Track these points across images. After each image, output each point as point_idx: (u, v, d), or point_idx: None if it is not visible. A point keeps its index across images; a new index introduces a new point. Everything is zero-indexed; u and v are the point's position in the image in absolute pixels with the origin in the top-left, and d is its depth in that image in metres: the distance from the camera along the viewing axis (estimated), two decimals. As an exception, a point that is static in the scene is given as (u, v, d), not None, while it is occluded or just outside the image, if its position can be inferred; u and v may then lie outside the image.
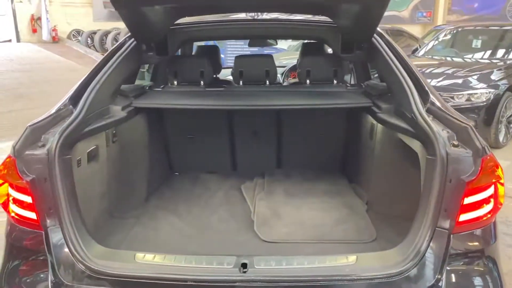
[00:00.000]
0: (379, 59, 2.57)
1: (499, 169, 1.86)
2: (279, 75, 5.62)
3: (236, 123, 3.14)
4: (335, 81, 3.04)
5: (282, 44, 11.67)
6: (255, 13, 2.94)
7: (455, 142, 1.78)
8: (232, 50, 11.04)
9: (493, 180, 1.81)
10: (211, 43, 5.53)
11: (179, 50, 4.60)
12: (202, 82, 3.03)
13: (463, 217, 1.76)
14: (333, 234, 2.31)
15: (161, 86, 3.03)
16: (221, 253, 2.12)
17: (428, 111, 2.00)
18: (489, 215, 1.81)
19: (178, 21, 2.77)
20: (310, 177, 3.08)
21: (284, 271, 1.72)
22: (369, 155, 2.65)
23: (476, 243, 1.81)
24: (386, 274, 1.69)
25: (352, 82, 4.21)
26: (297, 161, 3.28)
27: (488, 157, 1.77)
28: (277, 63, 7.24)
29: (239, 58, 3.16)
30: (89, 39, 15.05)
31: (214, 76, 4.12)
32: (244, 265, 1.73)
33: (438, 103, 2.03)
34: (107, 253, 1.87)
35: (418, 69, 2.39)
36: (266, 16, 2.99)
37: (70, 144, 1.95)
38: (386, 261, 1.76)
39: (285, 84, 4.64)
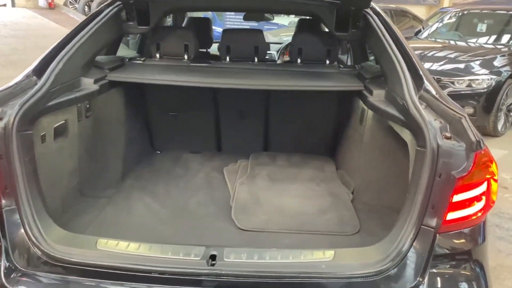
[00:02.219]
0: (374, 39, 2.40)
1: (493, 165, 1.71)
2: (274, 52, 5.41)
3: (221, 102, 2.97)
4: (327, 61, 2.87)
5: (283, 20, 11.36)
6: None
7: (448, 134, 1.64)
8: (231, 24, 10.73)
9: (487, 177, 1.67)
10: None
11: (169, 21, 4.41)
12: (186, 56, 2.85)
13: (451, 215, 1.63)
14: (314, 224, 2.18)
15: (142, 59, 2.85)
16: (194, 240, 2.01)
17: (421, 98, 1.85)
18: (479, 214, 1.68)
19: None
20: (297, 162, 2.94)
21: (255, 265, 1.59)
22: (358, 141, 2.51)
23: (464, 244, 1.68)
24: (364, 273, 1.57)
25: (349, 63, 4.03)
26: (284, 145, 3.13)
27: (483, 152, 1.63)
28: (276, 39, 7.08)
29: (226, 32, 2.97)
30: (86, 7, 14.66)
31: (205, 50, 3.94)
32: (213, 257, 1.61)
33: (432, 90, 1.88)
34: (68, 238, 1.74)
35: (420, 52, 2.24)
36: None
37: (31, 119, 1.79)
38: (365, 259, 1.64)
39: (278, 62, 4.44)
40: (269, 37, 7.06)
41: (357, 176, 2.52)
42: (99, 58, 2.57)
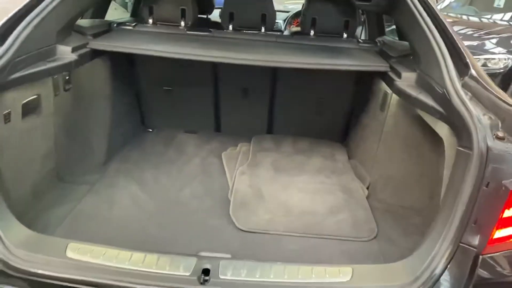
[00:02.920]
0: (402, 10, 2.04)
1: None
2: (281, 21, 4.99)
3: (222, 77, 2.62)
4: (345, 35, 2.51)
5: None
6: None
7: (501, 134, 1.32)
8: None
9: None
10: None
11: None
12: (182, 23, 2.49)
13: (500, 233, 1.33)
14: (324, 226, 1.89)
15: (133, 24, 2.47)
16: (184, 242, 1.72)
17: (465, 86, 1.52)
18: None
19: None
20: (305, 147, 2.62)
21: (255, 285, 1.31)
22: (377, 129, 2.19)
23: None
24: None
25: (363, 37, 3.65)
26: (291, 127, 2.80)
27: None
28: (281, 7, 6.57)
29: None
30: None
31: (205, 17, 3.55)
32: (206, 272, 1.33)
33: (479, 77, 1.55)
34: (33, 240, 1.44)
35: None
36: None
37: None
38: (390, 280, 1.36)
39: (285, 33, 4.04)
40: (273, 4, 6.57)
41: (374, 170, 2.21)
42: (82, 21, 2.21)
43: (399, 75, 1.91)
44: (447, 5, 7.47)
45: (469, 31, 5.93)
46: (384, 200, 2.09)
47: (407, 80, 1.87)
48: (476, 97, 1.48)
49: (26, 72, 1.65)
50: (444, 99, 1.52)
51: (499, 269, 1.36)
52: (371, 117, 2.31)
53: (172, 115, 2.81)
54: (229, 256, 1.50)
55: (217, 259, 1.40)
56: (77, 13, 2.03)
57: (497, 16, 6.66)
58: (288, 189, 2.14)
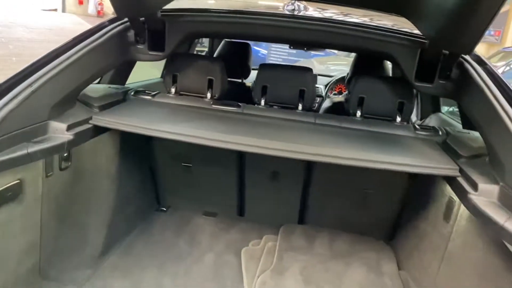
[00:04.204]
0: (474, 97, 1.64)
1: None
2: (322, 87, 4.64)
3: (248, 159, 2.24)
4: (398, 119, 2.09)
5: (332, 46, 10.54)
6: (297, 3, 2.04)
7: None
8: (276, 48, 10.03)
9: None
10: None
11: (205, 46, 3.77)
12: (209, 94, 2.16)
13: None
14: None
15: (152, 93, 2.17)
16: None
17: None
18: None
19: (180, 6, 1.92)
20: (343, 249, 2.15)
21: None
22: (439, 244, 1.71)
23: None
24: None
25: (414, 113, 3.23)
26: (327, 219, 2.35)
27: None
28: (323, 68, 6.25)
29: (264, 67, 2.25)
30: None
31: (240, 81, 3.26)
32: None
33: None
34: None
35: None
36: (311, 12, 2.08)
37: None
38: None
39: (326, 101, 3.66)
40: (314, 64, 6.27)
41: None
42: (92, 89, 1.92)
43: (474, 186, 1.46)
44: (500, 74, 6.98)
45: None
46: None
47: (486, 194, 1.41)
48: None
49: (4, 158, 1.33)
50: None
51: None
52: (430, 226, 1.84)
53: (190, 195, 2.44)
54: None
55: None
56: (83, 83, 1.73)
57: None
58: None
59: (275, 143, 1.66)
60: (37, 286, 1.65)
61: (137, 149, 2.18)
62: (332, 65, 6.94)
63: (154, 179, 2.41)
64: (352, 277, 1.93)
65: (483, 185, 1.43)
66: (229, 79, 2.34)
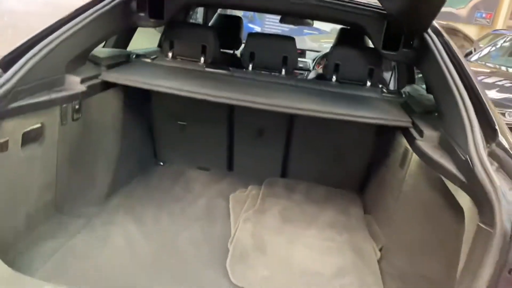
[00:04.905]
0: (430, 64, 1.92)
1: None
2: (309, 61, 4.92)
3: (237, 116, 2.53)
4: (368, 83, 2.39)
5: (325, 25, 10.76)
6: None
7: None
8: (270, 25, 10.23)
9: None
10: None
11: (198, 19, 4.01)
12: (202, 59, 2.44)
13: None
14: None
15: (152, 57, 2.44)
16: None
17: (492, 155, 1.37)
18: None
19: None
20: (318, 197, 2.47)
21: None
22: (395, 188, 2.03)
23: None
24: None
25: (392, 84, 3.52)
26: (306, 173, 2.66)
27: None
28: (316, 46, 6.52)
29: (252, 36, 2.53)
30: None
31: (232, 52, 3.52)
32: None
33: (508, 145, 1.39)
34: (7, 280, 1.34)
35: None
36: None
37: None
38: None
39: (312, 73, 3.95)
40: (307, 42, 6.55)
41: (390, 231, 2.03)
42: (99, 51, 2.18)
43: (421, 133, 1.77)
44: (486, 54, 7.27)
45: (509, 83, 5.70)
46: (396, 265, 1.90)
47: (429, 139, 1.72)
48: (504, 168, 1.32)
49: (29, 102, 1.61)
50: (466, 167, 1.37)
51: None
52: (390, 173, 2.16)
53: (185, 150, 2.73)
54: None
55: None
56: (92, 44, 2.00)
57: (539, 69, 6.41)
58: (293, 243, 1.99)
59: (260, 98, 1.96)
60: (53, 218, 1.94)
61: (138, 107, 2.46)
62: (324, 43, 7.21)
63: (153, 136, 2.70)
64: (323, 218, 2.25)
65: (427, 132, 1.74)
66: (222, 50, 2.61)
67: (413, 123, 1.90)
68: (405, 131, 1.95)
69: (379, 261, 1.95)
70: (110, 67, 2.13)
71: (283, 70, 2.45)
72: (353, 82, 2.40)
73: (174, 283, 1.67)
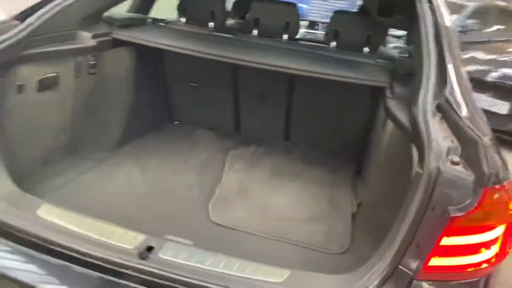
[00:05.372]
0: (415, 28, 1.99)
1: None
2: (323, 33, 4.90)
3: (241, 79, 2.71)
4: (365, 50, 2.47)
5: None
6: None
7: (456, 158, 1.26)
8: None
9: (499, 221, 1.27)
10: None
11: None
12: (212, 24, 2.62)
13: (437, 261, 1.26)
14: (297, 233, 1.88)
15: (167, 21, 2.66)
16: (156, 225, 1.81)
17: (440, 108, 1.46)
18: (483, 266, 1.29)
19: None
20: (312, 158, 2.61)
21: (188, 269, 1.36)
22: (376, 148, 2.13)
23: None
24: None
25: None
26: (307, 137, 2.80)
27: (497, 188, 1.23)
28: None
29: (255, 2, 2.67)
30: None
31: (241, 18, 3.63)
32: (150, 249, 1.40)
33: (457, 99, 1.47)
34: (13, 195, 1.61)
35: None
36: None
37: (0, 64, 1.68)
38: None
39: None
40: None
41: (369, 188, 2.15)
42: (116, 13, 2.42)
43: (393, 92, 1.86)
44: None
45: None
46: (371, 219, 2.02)
47: (398, 98, 1.82)
48: (446, 119, 1.42)
49: (41, 50, 1.86)
50: (413, 119, 1.47)
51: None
52: (376, 135, 2.26)
53: (196, 111, 2.95)
54: (191, 243, 1.56)
55: (165, 241, 1.47)
56: (105, 5, 2.23)
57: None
58: (275, 192, 2.16)
59: (260, 58, 2.13)
60: (68, 158, 2.21)
61: (152, 67, 2.69)
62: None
63: (168, 96, 2.93)
64: (311, 175, 2.39)
65: (398, 90, 1.83)
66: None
67: (390, 84, 1.99)
68: (385, 92, 2.04)
69: (355, 215, 2.07)
70: (123, 27, 2.37)
71: (285, 36, 2.58)
72: (351, 48, 2.48)
73: (159, 216, 1.89)
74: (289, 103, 2.70)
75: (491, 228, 1.26)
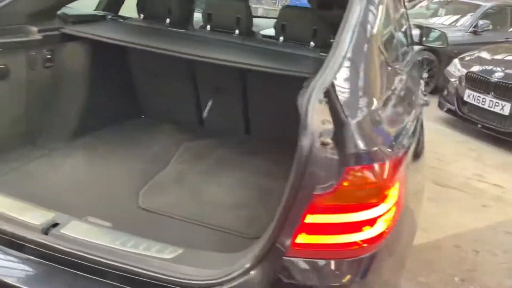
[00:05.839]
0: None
1: (393, 188, 1.34)
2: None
3: (198, 73, 2.79)
4: (312, 44, 2.51)
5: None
6: None
7: (326, 140, 1.30)
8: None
9: (372, 201, 1.31)
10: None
11: None
12: (168, 20, 2.71)
13: (303, 239, 1.30)
14: (220, 218, 1.94)
15: (125, 18, 2.77)
16: (86, 209, 1.89)
17: (327, 94, 1.49)
18: (354, 247, 1.32)
19: None
20: (264, 150, 2.65)
21: (83, 244, 1.44)
22: None
23: (316, 279, 1.34)
24: (185, 283, 1.34)
25: None
26: (265, 130, 2.85)
27: (360, 168, 1.26)
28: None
29: None
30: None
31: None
32: (55, 226, 1.50)
33: (346, 86, 1.50)
34: None
35: None
36: None
37: None
38: (204, 266, 1.40)
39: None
40: None
41: None
42: (73, 10, 2.54)
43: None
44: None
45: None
46: None
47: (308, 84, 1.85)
48: (330, 104, 1.45)
49: None
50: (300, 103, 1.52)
51: (298, 274, 1.32)
52: None
53: (161, 105, 3.04)
54: (109, 224, 1.65)
55: (72, 219, 1.55)
56: (59, 2, 2.35)
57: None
58: (211, 182, 2.22)
59: (212, 53, 2.21)
60: (23, 147, 2.33)
61: (113, 62, 2.80)
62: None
63: (133, 90, 3.04)
64: (255, 165, 2.44)
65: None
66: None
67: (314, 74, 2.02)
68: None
69: None
70: (77, 23, 2.48)
71: (237, 31, 2.64)
72: (298, 42, 2.53)
73: (91, 201, 1.98)
74: (245, 96, 2.76)
75: (358, 209, 1.29)
